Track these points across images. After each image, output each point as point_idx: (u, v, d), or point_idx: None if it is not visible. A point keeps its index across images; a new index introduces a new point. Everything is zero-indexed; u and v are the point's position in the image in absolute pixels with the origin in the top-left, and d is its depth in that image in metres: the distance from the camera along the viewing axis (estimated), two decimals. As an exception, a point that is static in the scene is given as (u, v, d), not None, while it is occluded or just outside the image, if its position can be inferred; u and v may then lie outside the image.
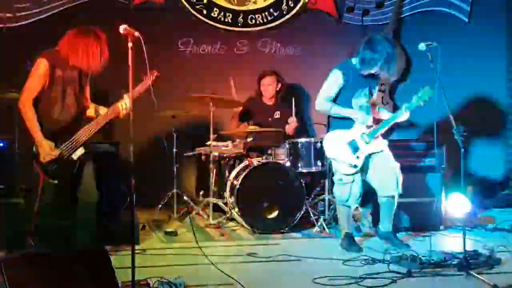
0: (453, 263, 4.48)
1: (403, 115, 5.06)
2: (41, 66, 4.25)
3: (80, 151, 4.32)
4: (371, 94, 5.20)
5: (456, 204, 5.57)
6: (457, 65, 6.74)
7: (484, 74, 7.12)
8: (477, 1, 7.10)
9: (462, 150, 4.46)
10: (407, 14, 7.05)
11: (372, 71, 5.09)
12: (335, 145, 5.11)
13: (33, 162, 4.24)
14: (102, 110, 4.49)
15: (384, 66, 5.04)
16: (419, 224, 5.68)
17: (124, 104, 4.36)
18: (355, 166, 5.05)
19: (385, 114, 5.28)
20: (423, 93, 4.95)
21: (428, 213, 5.70)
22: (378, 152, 5.11)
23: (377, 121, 5.20)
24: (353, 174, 5.05)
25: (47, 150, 4.20)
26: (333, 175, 5.25)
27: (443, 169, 5.83)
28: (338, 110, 5.07)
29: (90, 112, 4.50)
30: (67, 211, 4.39)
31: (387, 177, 5.10)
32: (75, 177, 4.36)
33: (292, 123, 6.39)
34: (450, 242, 5.33)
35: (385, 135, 5.23)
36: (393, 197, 5.14)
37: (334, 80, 5.11)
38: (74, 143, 4.30)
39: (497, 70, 7.21)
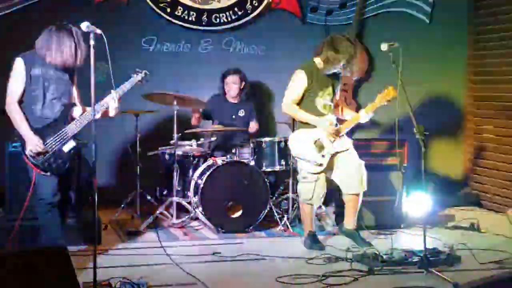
0: (414, 261, 4.56)
1: (366, 116, 5.12)
2: (18, 66, 4.30)
3: (71, 144, 4.32)
4: (334, 93, 5.25)
5: (417, 202, 5.66)
6: (419, 65, 6.84)
7: (445, 74, 7.24)
8: (438, 2, 7.20)
9: (423, 149, 4.54)
10: (370, 14, 7.12)
11: (335, 71, 5.15)
12: (300, 144, 5.15)
13: (24, 157, 4.27)
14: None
15: (346, 66, 5.12)
16: (381, 222, 5.76)
17: (113, 103, 4.35)
18: (320, 165, 5.09)
19: (349, 114, 5.34)
20: (386, 93, 5.02)
21: (390, 211, 5.78)
22: (343, 151, 5.16)
23: (341, 121, 5.26)
24: (318, 173, 5.09)
25: (34, 142, 4.21)
26: (297, 173, 5.29)
27: (404, 168, 5.91)
28: (303, 116, 5.12)
29: (77, 112, 4.45)
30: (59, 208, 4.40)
31: (352, 175, 5.15)
32: (68, 170, 4.39)
33: (252, 128, 6.43)
34: (411, 240, 5.40)
35: (349, 134, 5.30)
36: (357, 194, 5.19)
37: (298, 81, 5.14)
38: (63, 136, 4.30)
39: (457, 70, 7.33)
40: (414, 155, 5.70)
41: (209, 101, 6.43)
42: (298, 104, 5.16)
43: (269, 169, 5.96)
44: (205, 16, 6.80)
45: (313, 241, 5.16)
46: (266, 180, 5.74)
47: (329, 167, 5.17)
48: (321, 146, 5.09)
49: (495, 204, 6.81)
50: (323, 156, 5.09)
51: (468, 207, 6.79)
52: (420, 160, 4.57)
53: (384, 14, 7.15)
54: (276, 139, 6.04)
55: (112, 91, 4.35)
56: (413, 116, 4.56)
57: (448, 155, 7.28)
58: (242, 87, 6.44)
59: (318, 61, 5.19)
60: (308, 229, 5.24)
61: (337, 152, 5.15)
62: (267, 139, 6.04)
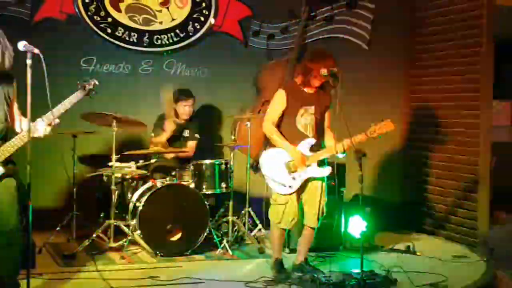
0: (351, 283, 4.62)
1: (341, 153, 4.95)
2: None
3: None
4: (321, 113, 5.09)
5: (355, 225, 5.76)
6: (358, 89, 6.99)
7: (384, 98, 7.39)
8: (375, 28, 7.39)
9: (361, 173, 4.62)
10: (310, 40, 7.25)
11: (319, 82, 4.99)
12: (271, 163, 5.01)
13: None
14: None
15: (332, 77, 4.88)
16: (320, 245, 5.81)
17: (42, 127, 4.11)
18: (290, 187, 4.97)
19: (329, 141, 5.12)
20: (384, 125, 4.85)
21: (328, 234, 5.84)
22: (316, 179, 5.05)
23: (319, 143, 5.09)
24: (288, 195, 4.98)
25: None
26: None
27: (343, 191, 6.01)
28: (277, 140, 4.96)
29: (17, 129, 4.15)
30: None
31: (315, 208, 5.06)
32: None
33: (190, 148, 6.43)
34: (349, 263, 5.48)
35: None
36: (313, 228, 5.15)
37: (277, 100, 5.03)
38: None
39: (396, 95, 7.51)
40: (353, 178, 5.80)
41: (157, 122, 6.40)
42: (280, 123, 5.03)
43: (209, 192, 5.96)
44: (146, 37, 6.80)
45: (279, 270, 5.06)
46: (206, 202, 5.73)
47: (302, 191, 5.03)
48: (293, 168, 4.94)
49: (430, 228, 6.99)
50: (293, 178, 4.96)
51: (406, 230, 6.94)
52: (358, 183, 4.67)
53: (325, 39, 7.28)
54: (217, 161, 6.05)
55: (43, 117, 4.11)
56: (351, 140, 4.66)
57: (387, 179, 7.43)
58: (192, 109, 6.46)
59: (299, 80, 5.07)
60: (275, 255, 5.14)
61: (310, 178, 5.00)
62: (207, 161, 6.04)
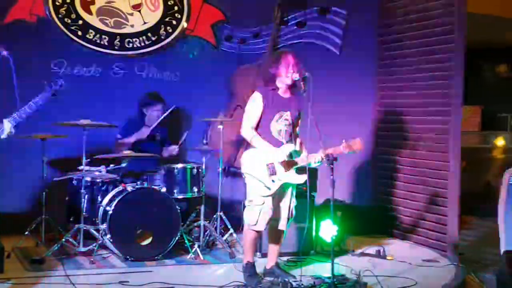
0: (322, 287, 4.64)
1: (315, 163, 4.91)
2: None
3: None
4: (295, 119, 5.07)
5: (326, 229, 5.79)
6: (330, 95, 7.03)
7: (355, 103, 7.43)
8: (347, 35, 7.45)
9: (332, 177, 4.65)
10: (283, 45, 7.27)
11: (284, 82, 4.98)
12: (253, 162, 4.96)
13: None
14: None
15: (299, 76, 4.90)
16: (291, 249, 5.82)
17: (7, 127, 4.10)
18: (269, 189, 4.93)
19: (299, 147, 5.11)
20: (352, 144, 4.81)
21: (299, 238, 5.86)
22: (292, 184, 5.05)
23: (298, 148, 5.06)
24: (265, 197, 4.93)
25: None
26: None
27: (313, 196, 6.03)
28: (258, 143, 4.93)
29: None
30: None
31: (285, 213, 5.08)
32: None
33: (172, 151, 6.41)
34: (320, 267, 5.50)
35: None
36: (283, 232, 5.14)
37: (254, 104, 4.98)
38: None
39: (367, 100, 7.57)
40: (324, 183, 5.82)
41: (127, 124, 6.36)
42: (257, 127, 4.99)
43: (180, 196, 5.94)
44: (117, 40, 6.76)
45: (251, 273, 5.03)
46: (177, 207, 5.71)
47: (275, 194, 4.99)
48: (272, 170, 4.91)
49: (400, 232, 7.05)
50: (273, 181, 4.93)
51: (376, 234, 6.99)
52: (329, 188, 4.70)
53: (298, 44, 7.31)
54: (189, 165, 6.03)
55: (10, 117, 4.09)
56: (323, 146, 4.68)
57: (359, 183, 7.49)
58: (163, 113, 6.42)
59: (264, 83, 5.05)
60: (247, 259, 5.08)
61: (287, 183, 4.99)
62: (179, 165, 6.02)
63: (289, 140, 5.03)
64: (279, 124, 5.00)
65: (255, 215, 4.97)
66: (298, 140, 5.15)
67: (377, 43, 7.57)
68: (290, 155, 4.96)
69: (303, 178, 4.99)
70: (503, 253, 4.85)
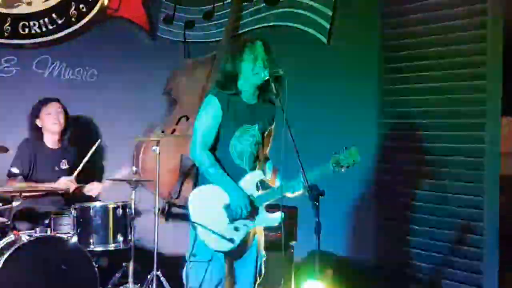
0: None
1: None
2: None
3: None
4: (264, 136, 5.05)
5: (310, 294, 5.80)
6: (314, 100, 7.07)
7: (348, 110, 7.48)
8: (340, 16, 7.52)
9: (317, 220, 4.62)
10: (246, 29, 7.32)
11: (254, 82, 4.95)
12: (204, 205, 4.90)
13: None
14: None
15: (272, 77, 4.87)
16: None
17: None
18: (231, 240, 4.88)
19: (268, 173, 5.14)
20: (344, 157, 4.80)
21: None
22: (262, 229, 5.06)
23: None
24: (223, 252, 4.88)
25: None
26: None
27: (292, 247, 6.05)
28: (216, 177, 4.87)
29: None
30: None
31: (250, 270, 5.05)
32: None
33: (94, 189, 6.45)
34: None
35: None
36: None
37: (209, 113, 4.90)
38: None
39: (365, 105, 7.63)
40: (307, 228, 5.79)
41: (19, 149, 6.34)
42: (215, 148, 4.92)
43: (99, 249, 5.95)
44: (8, 24, 6.72)
45: None
46: (94, 264, 5.69)
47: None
48: (236, 212, 4.84)
49: None
50: (236, 229, 4.87)
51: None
52: (314, 235, 4.68)
53: (267, 29, 7.37)
54: (111, 203, 6.03)
55: None
56: (303, 171, 4.67)
57: (355, 230, 7.54)
58: (64, 126, 6.39)
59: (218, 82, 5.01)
60: None
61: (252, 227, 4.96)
62: (97, 203, 6.02)
63: (254, 167, 5.04)
64: (241, 144, 4.99)
65: (199, 276, 4.92)
66: (267, 165, 5.16)
67: (382, 27, 7.67)
68: (257, 188, 4.97)
69: (276, 217, 4.99)
70: None
